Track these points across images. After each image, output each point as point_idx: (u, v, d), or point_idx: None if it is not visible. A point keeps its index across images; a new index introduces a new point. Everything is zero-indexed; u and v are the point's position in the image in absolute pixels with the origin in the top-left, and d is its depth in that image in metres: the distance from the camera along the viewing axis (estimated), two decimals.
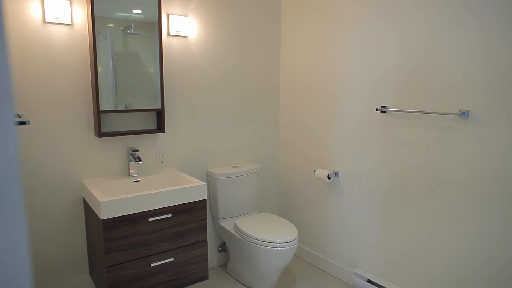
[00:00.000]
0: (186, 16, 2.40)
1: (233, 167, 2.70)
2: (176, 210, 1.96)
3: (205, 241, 2.11)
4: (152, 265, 1.91)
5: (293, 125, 2.89)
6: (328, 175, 2.51)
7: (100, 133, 2.05)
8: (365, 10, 2.24)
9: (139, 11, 2.12)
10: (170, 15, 2.32)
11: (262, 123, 2.94)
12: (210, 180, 2.60)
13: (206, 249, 2.12)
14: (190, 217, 2.02)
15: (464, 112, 1.79)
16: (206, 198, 2.06)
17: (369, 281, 2.34)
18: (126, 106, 2.16)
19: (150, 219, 1.87)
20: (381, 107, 2.17)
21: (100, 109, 2.05)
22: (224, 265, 2.82)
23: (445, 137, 1.90)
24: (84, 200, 2.09)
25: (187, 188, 1.98)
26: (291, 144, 2.94)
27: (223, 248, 2.80)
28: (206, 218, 2.09)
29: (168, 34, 2.34)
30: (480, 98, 1.75)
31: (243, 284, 2.52)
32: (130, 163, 2.24)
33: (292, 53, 2.83)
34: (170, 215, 1.94)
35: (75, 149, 2.09)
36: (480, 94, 1.75)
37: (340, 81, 2.45)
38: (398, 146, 2.13)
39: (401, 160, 2.13)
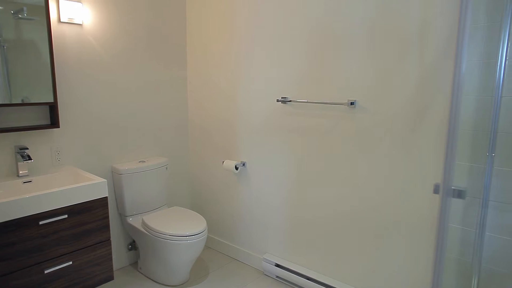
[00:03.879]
0: (79, 2, 2.23)
1: (139, 162, 2.60)
2: (73, 210, 1.83)
3: (108, 240, 2.01)
4: (46, 271, 1.76)
5: (202, 117, 2.89)
6: (235, 166, 2.57)
7: None
8: (268, 7, 2.31)
9: None
10: (60, 0, 2.13)
11: (170, 115, 2.88)
12: (115, 177, 2.48)
13: (110, 249, 2.02)
14: (90, 217, 1.91)
15: (352, 102, 1.97)
16: (107, 195, 1.96)
17: (277, 265, 2.46)
18: (23, 100, 1.95)
19: (41, 222, 1.72)
20: (282, 98, 2.28)
21: None
22: (134, 264, 2.73)
23: (339, 124, 2.07)
24: None
25: (84, 186, 1.86)
26: (200, 136, 2.94)
27: (133, 246, 2.71)
28: (108, 217, 1.99)
29: (59, 20, 2.15)
30: (364, 90, 1.94)
31: (154, 281, 2.47)
32: (19, 162, 2.02)
33: (199, 43, 2.81)
34: (66, 216, 1.80)
35: None
36: (363, 86, 1.94)
37: (244, 73, 2.51)
38: (299, 134, 2.27)
39: (302, 148, 2.27)
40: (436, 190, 0.97)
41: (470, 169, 1.70)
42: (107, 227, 1.99)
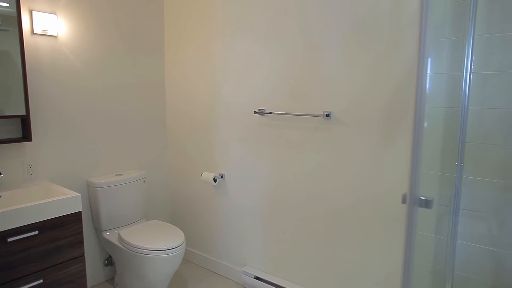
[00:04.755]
0: (54, 14, 2.20)
1: (116, 175, 2.56)
2: (44, 226, 1.78)
3: (82, 256, 1.95)
4: None
5: (180, 128, 2.87)
6: (214, 178, 2.55)
7: None
8: (246, 20, 2.34)
9: (6, 4, 1.89)
10: (33, 11, 2.10)
11: (148, 127, 2.85)
12: (91, 190, 2.43)
13: (84, 265, 1.97)
14: (62, 232, 1.85)
15: (327, 114, 2.00)
16: (81, 210, 1.92)
17: (257, 278, 2.44)
18: None
19: (9, 239, 1.66)
20: (259, 109, 2.30)
21: None
22: (111, 280, 2.66)
23: (315, 135, 2.10)
24: None
25: (56, 201, 1.81)
26: (179, 148, 2.92)
27: (109, 261, 2.64)
28: (82, 232, 1.94)
29: (32, 32, 2.12)
30: (340, 102, 1.98)
31: None
32: None
33: (177, 55, 2.81)
34: (37, 232, 1.75)
35: None
36: (339, 98, 1.97)
37: (222, 85, 2.52)
38: (276, 146, 2.28)
39: (279, 160, 2.28)
40: (404, 200, 0.99)
41: (441, 179, 1.75)
42: (81, 242, 1.94)
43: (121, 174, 2.58)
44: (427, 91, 1.77)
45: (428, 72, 1.75)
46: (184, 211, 2.97)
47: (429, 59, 1.74)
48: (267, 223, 2.41)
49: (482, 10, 1.56)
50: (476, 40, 1.58)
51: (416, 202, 0.95)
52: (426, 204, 0.98)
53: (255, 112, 2.29)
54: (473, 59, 1.59)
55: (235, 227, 2.60)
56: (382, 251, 1.92)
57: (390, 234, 1.88)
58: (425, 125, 1.78)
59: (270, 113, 2.24)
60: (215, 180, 2.57)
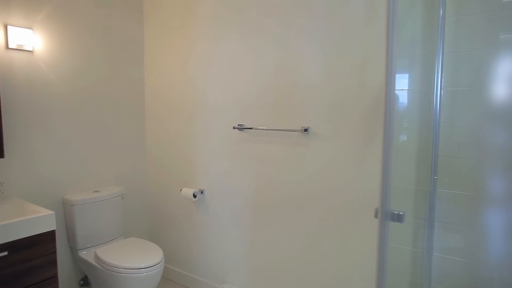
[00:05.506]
0: (30, 28, 2.18)
1: (94, 191, 2.51)
2: (14, 246, 1.71)
3: (55, 277, 1.89)
4: None
5: (160, 144, 2.85)
6: (193, 194, 2.53)
7: None
8: (225, 38, 2.37)
9: None
10: (8, 26, 2.07)
11: (128, 142, 2.82)
12: (67, 208, 2.37)
13: (57, 286, 1.90)
14: (34, 253, 1.79)
15: (305, 129, 2.03)
16: (54, 228, 1.86)
17: None
18: None
19: None
20: (238, 125, 2.31)
21: None
22: None
23: (293, 150, 2.11)
24: None
25: (28, 220, 1.76)
26: (158, 164, 2.89)
27: (85, 281, 2.55)
28: (55, 252, 1.88)
29: (7, 47, 2.09)
30: (317, 117, 2.00)
31: None
32: None
33: (157, 69, 2.81)
34: (6, 253, 1.68)
35: None
36: (316, 114, 2.00)
37: (201, 101, 2.53)
38: (255, 161, 2.29)
39: (258, 174, 2.28)
40: (376, 215, 1.01)
41: (416, 192, 1.78)
42: (54, 262, 1.88)
43: (98, 191, 2.52)
44: (402, 107, 1.82)
45: (403, 88, 1.80)
46: (163, 228, 2.92)
47: (396, 76, 1.80)
48: (247, 239, 2.39)
49: (450, 29, 1.63)
50: (445, 58, 1.64)
51: (388, 216, 0.97)
52: (398, 218, 1.00)
53: (234, 128, 2.30)
54: (443, 75, 1.65)
55: (215, 243, 2.57)
56: (362, 261, 1.93)
57: (369, 246, 1.89)
58: (403, 139, 1.82)
59: (249, 128, 2.26)
60: (195, 196, 2.55)
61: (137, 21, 2.84)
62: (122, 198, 2.63)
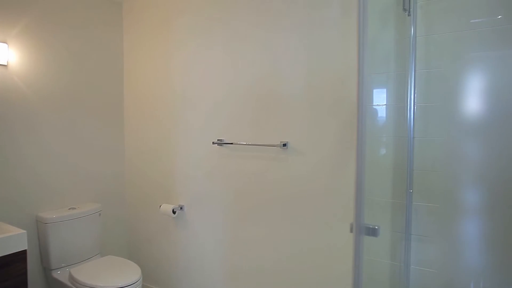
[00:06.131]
0: (4, 42, 2.14)
1: (69, 208, 2.44)
2: None
3: None
4: None
5: (139, 159, 2.81)
6: (173, 210, 2.50)
7: None
8: (205, 53, 2.39)
9: None
10: None
11: (105, 157, 2.77)
12: (40, 226, 2.29)
13: None
14: (4, 274, 1.71)
15: (284, 144, 2.04)
16: (26, 248, 1.79)
17: None
18: None
19: None
20: (218, 140, 2.31)
21: None
22: None
23: (272, 165, 2.12)
24: None
25: None
26: (137, 180, 2.84)
27: None
28: (26, 273, 1.80)
29: None
30: (296, 133, 2.03)
31: None
32: None
33: (136, 86, 2.80)
34: None
35: None
36: (295, 129, 2.03)
37: (181, 116, 2.52)
38: (235, 176, 2.28)
39: (238, 189, 2.27)
40: (352, 229, 1.02)
41: (393, 206, 1.81)
42: (24, 284, 1.80)
43: (74, 208, 2.46)
44: (381, 121, 1.86)
45: (380, 103, 1.84)
46: (142, 245, 2.86)
47: (374, 91, 1.84)
48: (228, 255, 2.36)
49: (421, 47, 1.69)
50: (418, 75, 1.70)
51: (362, 230, 0.98)
52: (373, 232, 1.01)
53: (214, 143, 2.30)
54: (415, 91, 1.70)
55: (194, 260, 2.52)
56: (343, 276, 1.93)
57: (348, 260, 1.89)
58: (382, 153, 1.86)
59: (228, 143, 2.26)
60: (174, 212, 2.51)
61: (117, 33, 2.83)
62: (100, 215, 2.57)
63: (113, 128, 2.83)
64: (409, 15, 1.67)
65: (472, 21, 1.58)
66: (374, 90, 1.87)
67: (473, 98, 1.60)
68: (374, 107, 1.85)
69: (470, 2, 1.59)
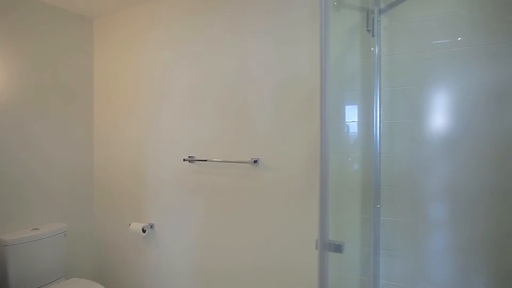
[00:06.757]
0: None
1: (32, 229, 2.33)
2: None
3: None
4: None
5: (108, 176, 2.74)
6: (143, 228, 2.43)
7: None
8: (177, 69, 2.39)
9: None
10: None
11: (73, 175, 2.68)
12: None
13: None
14: None
15: (255, 160, 2.05)
16: None
17: None
18: None
19: None
20: (189, 157, 2.28)
21: None
22: None
23: (243, 182, 2.11)
24: None
25: None
26: (105, 197, 2.76)
27: None
28: None
29: None
30: (266, 149, 2.04)
31: None
32: None
33: (106, 103, 2.75)
34: None
35: None
36: (265, 146, 2.04)
37: (151, 133, 2.49)
38: (206, 193, 2.25)
39: (209, 207, 2.25)
40: (317, 246, 1.02)
41: (362, 221, 1.83)
42: None
43: (38, 228, 2.35)
44: (353, 137, 1.90)
45: (351, 120, 1.88)
46: (111, 266, 2.75)
47: (346, 108, 1.89)
48: (198, 274, 2.31)
49: (385, 66, 1.75)
50: (383, 92, 1.75)
51: (327, 247, 0.98)
52: (337, 248, 1.02)
53: (184, 160, 2.27)
54: (381, 109, 1.75)
55: (165, 280, 2.45)
56: None
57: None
58: (353, 169, 1.88)
59: (199, 160, 2.24)
60: (144, 231, 2.44)
61: (87, 50, 2.79)
62: (65, 235, 2.46)
63: (82, 144, 2.76)
64: (373, 35, 1.74)
65: (434, 42, 1.66)
66: (346, 107, 1.92)
67: (437, 115, 1.66)
68: (346, 123, 1.89)
69: (431, 24, 1.67)
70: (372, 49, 1.77)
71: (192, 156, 2.28)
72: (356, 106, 1.89)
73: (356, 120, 1.87)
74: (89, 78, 2.81)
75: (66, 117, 2.63)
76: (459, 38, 1.61)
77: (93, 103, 2.83)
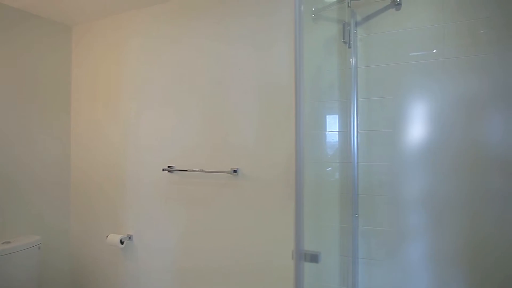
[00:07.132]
0: None
1: (3, 243, 2.25)
2: None
3: None
4: None
5: (85, 187, 2.68)
6: (121, 240, 2.38)
7: None
8: (156, 78, 2.37)
9: None
10: None
11: (48, 185, 2.61)
12: None
13: None
14: None
15: (235, 170, 2.04)
16: None
17: None
18: None
19: None
20: (168, 167, 2.26)
21: None
22: None
23: (223, 192, 2.10)
24: None
25: None
26: (82, 209, 2.69)
27: None
28: None
29: None
30: (246, 159, 2.03)
31: None
32: None
33: (84, 111, 2.70)
34: None
35: None
36: (245, 155, 2.04)
37: (130, 143, 2.45)
38: (185, 203, 2.23)
39: (189, 217, 2.22)
40: (293, 256, 1.01)
41: (341, 230, 1.84)
42: None
43: (9, 242, 2.27)
44: (334, 147, 1.91)
45: (331, 130, 1.90)
46: (87, 280, 2.67)
47: (327, 118, 1.91)
48: (181, 285, 2.26)
49: (362, 77, 1.78)
50: (360, 103, 1.78)
51: (302, 257, 0.98)
52: (313, 258, 1.01)
53: (164, 170, 2.24)
54: (358, 119, 1.78)
55: None
56: None
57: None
58: (332, 178, 1.90)
59: (179, 170, 2.21)
60: (122, 242, 2.39)
61: (65, 57, 2.74)
62: (39, 248, 2.38)
63: (58, 152, 2.69)
64: (349, 47, 1.77)
65: (411, 54, 1.70)
66: (327, 117, 1.94)
67: (413, 125, 1.70)
68: (327, 133, 1.90)
69: (406, 37, 1.71)
70: (349, 60, 1.80)
71: (171, 166, 2.26)
72: (337, 116, 1.91)
73: (337, 130, 1.89)
74: (67, 85, 2.75)
75: (41, 125, 2.57)
76: (434, 51, 1.66)
77: (70, 110, 2.77)
